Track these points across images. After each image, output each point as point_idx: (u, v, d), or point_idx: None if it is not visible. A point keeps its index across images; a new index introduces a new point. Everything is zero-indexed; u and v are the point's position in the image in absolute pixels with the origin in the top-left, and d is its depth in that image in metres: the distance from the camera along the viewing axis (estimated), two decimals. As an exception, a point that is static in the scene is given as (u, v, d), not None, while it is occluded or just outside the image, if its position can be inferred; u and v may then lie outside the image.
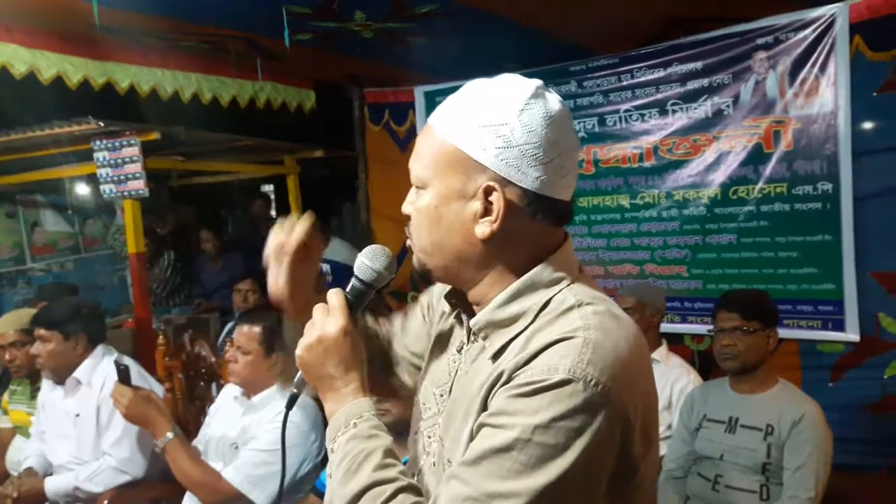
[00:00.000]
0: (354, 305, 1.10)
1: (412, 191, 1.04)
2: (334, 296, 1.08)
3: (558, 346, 0.89)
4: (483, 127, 0.93)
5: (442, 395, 1.08)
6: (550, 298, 0.96)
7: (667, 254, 3.82)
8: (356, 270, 1.12)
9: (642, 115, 3.81)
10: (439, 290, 1.20)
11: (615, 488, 0.91)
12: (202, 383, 3.14)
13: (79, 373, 2.75)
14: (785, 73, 3.37)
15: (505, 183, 0.94)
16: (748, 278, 3.54)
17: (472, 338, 1.04)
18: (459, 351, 1.08)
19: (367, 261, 1.11)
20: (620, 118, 3.87)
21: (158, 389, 2.85)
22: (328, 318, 1.06)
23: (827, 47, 3.25)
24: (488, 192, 0.94)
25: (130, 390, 2.39)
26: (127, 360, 2.82)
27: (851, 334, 3.32)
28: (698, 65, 3.60)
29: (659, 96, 3.74)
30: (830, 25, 3.23)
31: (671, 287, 3.76)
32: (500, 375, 0.92)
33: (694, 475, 2.48)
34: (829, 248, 3.33)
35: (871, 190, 3.23)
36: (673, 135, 3.73)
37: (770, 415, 2.31)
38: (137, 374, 2.76)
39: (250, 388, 2.48)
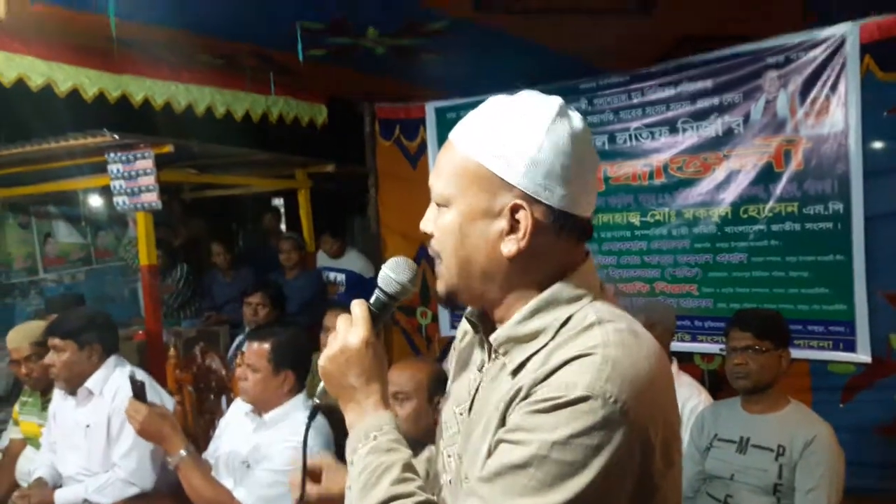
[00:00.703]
0: (377, 317, 1.11)
1: (431, 208, 1.03)
2: (358, 307, 1.09)
3: (577, 363, 0.88)
4: (509, 146, 0.93)
5: (462, 414, 1.08)
6: (571, 315, 0.95)
7: (677, 272, 3.81)
8: (380, 282, 1.13)
9: (652, 133, 3.81)
10: (460, 332, 1.21)
11: None
12: (212, 396, 3.15)
13: (90, 383, 2.76)
14: (796, 92, 3.37)
15: (532, 201, 0.94)
16: (759, 298, 3.53)
17: (492, 356, 1.03)
18: (480, 370, 1.07)
19: (392, 273, 1.11)
20: (631, 136, 3.87)
21: (169, 402, 2.85)
22: (351, 329, 1.07)
23: (838, 67, 3.25)
24: (515, 210, 0.94)
25: (146, 406, 2.38)
26: (139, 374, 2.83)
27: (862, 355, 3.29)
28: (709, 83, 3.60)
29: (669, 114, 3.74)
30: (841, 45, 3.23)
31: (681, 305, 3.74)
32: (518, 391, 0.91)
33: (704, 495, 2.46)
34: (841, 268, 3.31)
35: (882, 210, 3.22)
36: (683, 153, 3.72)
37: (782, 435, 2.30)
38: (149, 387, 2.76)
39: (261, 406, 2.47)
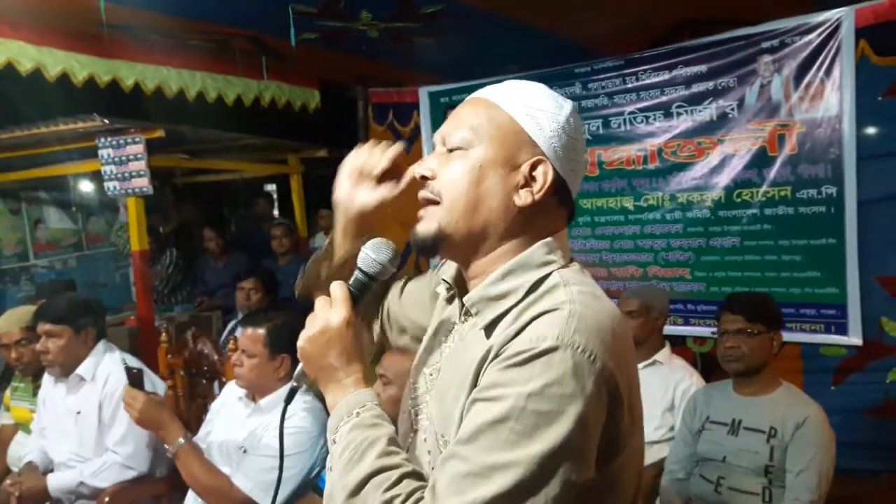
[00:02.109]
0: (357, 297, 1.11)
1: (434, 156, 1.06)
2: (337, 287, 1.09)
3: (546, 317, 0.92)
4: (542, 111, 1.02)
5: (432, 375, 1.11)
6: (540, 278, 1.00)
7: (670, 256, 3.82)
8: (359, 262, 1.13)
9: (647, 118, 3.81)
10: (445, 271, 1.21)
11: (602, 462, 0.91)
12: (204, 381, 3.14)
13: (82, 369, 2.75)
14: (790, 76, 3.37)
15: (550, 163, 1.01)
16: (751, 281, 3.54)
17: (462, 318, 1.08)
18: (451, 331, 1.11)
19: (372, 253, 1.12)
20: (625, 120, 3.87)
21: (160, 387, 2.85)
22: (331, 310, 1.07)
23: (832, 51, 3.25)
24: (535, 165, 1.01)
25: (143, 395, 2.37)
26: (131, 360, 2.82)
27: (854, 338, 3.31)
28: (703, 68, 3.59)
29: (664, 99, 3.73)
30: (836, 30, 3.23)
31: (674, 289, 3.75)
32: (489, 351, 0.94)
33: (696, 477, 2.47)
34: (833, 252, 3.32)
35: (875, 194, 3.23)
36: (677, 137, 3.72)
37: (773, 417, 2.31)
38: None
39: (257, 391, 2.46)
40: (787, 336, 2.61)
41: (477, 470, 0.86)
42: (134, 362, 2.81)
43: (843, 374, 3.37)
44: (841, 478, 2.31)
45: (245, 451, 2.36)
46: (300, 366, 1.11)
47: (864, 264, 3.26)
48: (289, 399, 1.16)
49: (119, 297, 5.34)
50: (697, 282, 3.74)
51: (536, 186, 1.00)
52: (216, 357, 3.08)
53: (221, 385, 2.97)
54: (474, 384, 0.95)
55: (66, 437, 2.76)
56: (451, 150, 1.04)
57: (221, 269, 5.40)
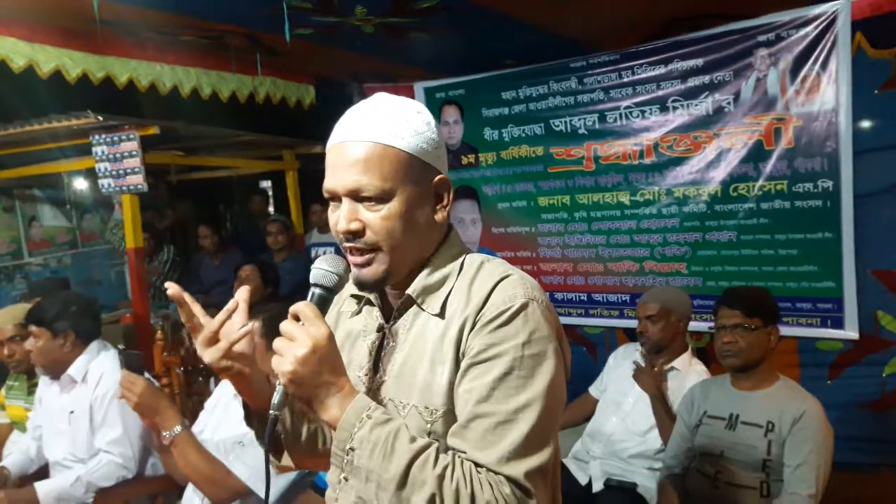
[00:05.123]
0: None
1: (348, 206, 1.11)
2: (305, 306, 1.08)
3: (504, 283, 1.12)
4: (420, 134, 1.14)
5: (367, 374, 1.22)
6: (462, 262, 1.20)
7: (666, 251, 3.81)
8: (318, 279, 1.15)
9: (643, 112, 3.80)
10: (347, 290, 1.31)
11: None
12: (200, 378, 3.14)
13: (73, 370, 2.72)
14: (786, 70, 3.36)
15: (441, 174, 1.18)
16: (748, 276, 3.54)
17: (394, 314, 1.21)
18: (380, 331, 1.23)
19: (329, 267, 1.15)
20: (621, 115, 3.86)
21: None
22: (311, 329, 1.05)
23: (828, 45, 3.24)
24: (439, 185, 1.17)
25: (143, 380, 2.26)
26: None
27: (850, 332, 3.31)
28: (699, 62, 3.59)
29: (660, 93, 3.72)
30: (832, 23, 3.22)
31: (671, 284, 3.75)
32: (464, 324, 1.10)
33: (694, 472, 2.47)
34: (830, 246, 3.32)
35: (871, 188, 3.23)
36: (673, 132, 3.71)
37: (771, 412, 2.30)
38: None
39: None
40: (783, 330, 2.60)
41: (503, 418, 1.03)
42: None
43: (839, 368, 3.37)
44: (838, 471, 2.31)
45: (243, 445, 2.34)
46: (279, 393, 1.08)
47: (860, 258, 3.26)
48: (271, 433, 1.10)
49: (114, 295, 5.33)
50: (694, 276, 3.74)
51: (445, 201, 1.18)
52: (212, 355, 3.06)
53: (217, 382, 2.96)
54: (457, 354, 1.10)
55: (62, 437, 2.74)
56: (364, 199, 1.11)
57: (217, 266, 5.38)
